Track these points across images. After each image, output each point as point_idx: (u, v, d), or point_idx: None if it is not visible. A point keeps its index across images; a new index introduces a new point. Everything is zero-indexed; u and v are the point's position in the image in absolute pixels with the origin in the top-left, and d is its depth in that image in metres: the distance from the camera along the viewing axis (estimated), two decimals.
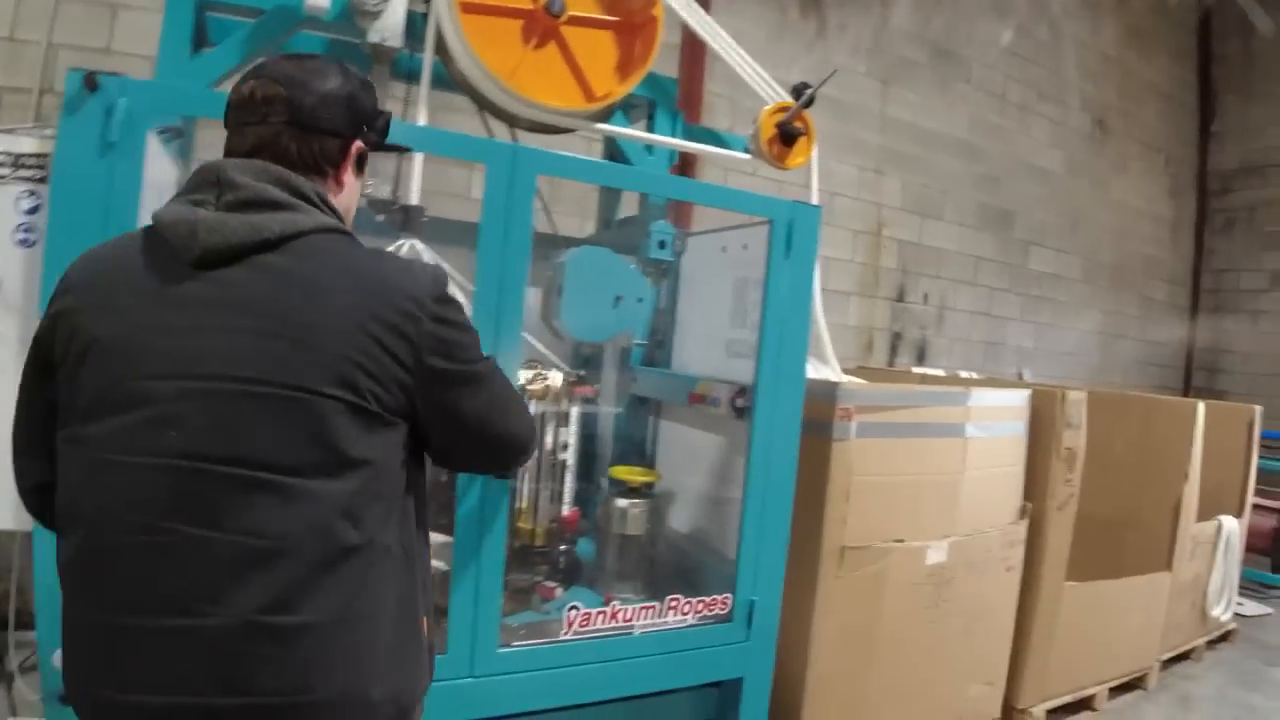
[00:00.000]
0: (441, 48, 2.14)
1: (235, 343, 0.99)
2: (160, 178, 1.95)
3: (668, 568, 2.21)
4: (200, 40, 2.26)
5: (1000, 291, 6.18)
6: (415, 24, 2.16)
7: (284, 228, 1.03)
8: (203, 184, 1.06)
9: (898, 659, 2.37)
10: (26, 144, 1.38)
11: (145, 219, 1.50)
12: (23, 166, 1.37)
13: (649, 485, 2.12)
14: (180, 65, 2.08)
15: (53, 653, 1.40)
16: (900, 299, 5.64)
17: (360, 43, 2.11)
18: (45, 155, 1.38)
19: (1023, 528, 2.68)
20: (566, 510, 2.05)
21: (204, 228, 1.01)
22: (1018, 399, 2.70)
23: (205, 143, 2.35)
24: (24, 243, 1.35)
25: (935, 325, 5.85)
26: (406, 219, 2.10)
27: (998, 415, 2.59)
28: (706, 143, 2.71)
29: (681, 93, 4.67)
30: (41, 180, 1.38)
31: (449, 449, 1.18)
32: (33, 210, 1.37)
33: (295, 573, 0.97)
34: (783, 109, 2.51)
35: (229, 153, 1.12)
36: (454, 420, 1.13)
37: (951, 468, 2.44)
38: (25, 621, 2.57)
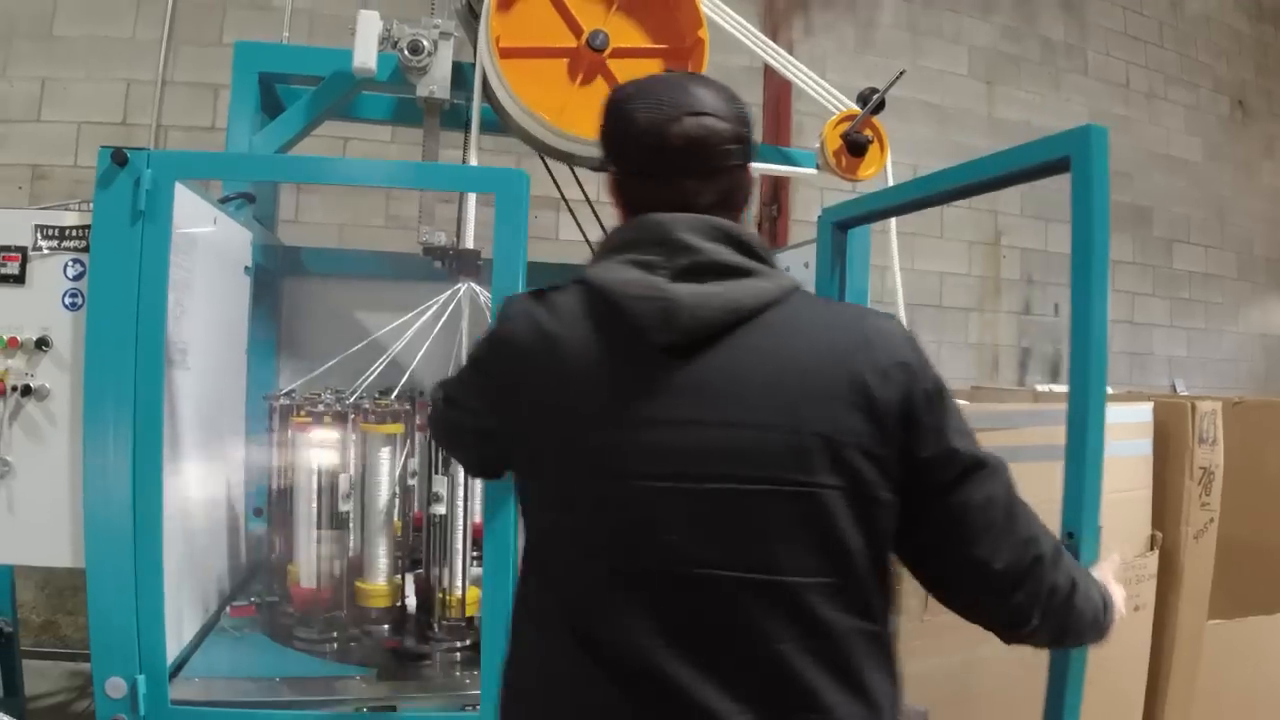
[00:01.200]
0: (491, 93, 2.17)
1: (729, 437, 0.89)
2: (230, 244, 2.05)
3: None
4: (277, 110, 2.39)
5: (1143, 296, 5.65)
6: (464, 74, 2.20)
7: (755, 300, 0.92)
8: (646, 242, 0.95)
9: (1002, 713, 2.13)
10: (70, 218, 1.50)
11: (176, 278, 1.57)
12: (67, 238, 1.46)
13: None
14: (248, 135, 2.20)
15: (106, 680, 1.45)
16: (1026, 312, 5.26)
17: (414, 97, 2.18)
18: (87, 227, 1.47)
19: (1152, 560, 2.37)
20: None
21: (685, 311, 0.90)
22: (1136, 414, 2.40)
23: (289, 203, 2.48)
24: (71, 305, 1.47)
25: (1069, 338, 5.41)
26: (460, 263, 2.13)
27: (1110, 433, 2.32)
28: (774, 162, 2.63)
29: (768, 115, 4.60)
30: (84, 249, 1.47)
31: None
32: (78, 277, 1.47)
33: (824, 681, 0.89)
34: (849, 118, 2.40)
35: (660, 202, 0.97)
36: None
37: (1055, 495, 2.18)
38: None
